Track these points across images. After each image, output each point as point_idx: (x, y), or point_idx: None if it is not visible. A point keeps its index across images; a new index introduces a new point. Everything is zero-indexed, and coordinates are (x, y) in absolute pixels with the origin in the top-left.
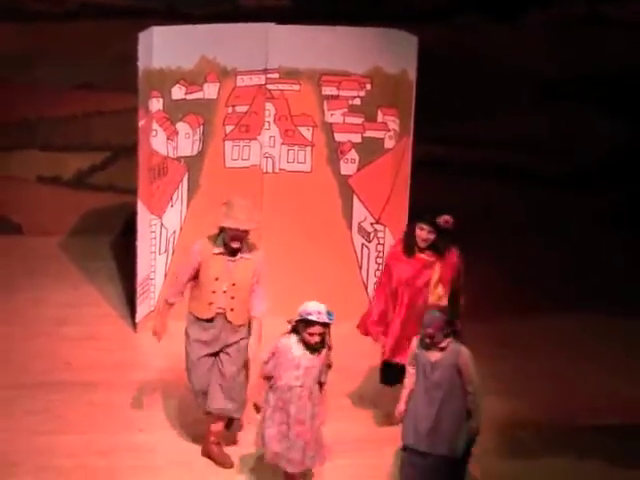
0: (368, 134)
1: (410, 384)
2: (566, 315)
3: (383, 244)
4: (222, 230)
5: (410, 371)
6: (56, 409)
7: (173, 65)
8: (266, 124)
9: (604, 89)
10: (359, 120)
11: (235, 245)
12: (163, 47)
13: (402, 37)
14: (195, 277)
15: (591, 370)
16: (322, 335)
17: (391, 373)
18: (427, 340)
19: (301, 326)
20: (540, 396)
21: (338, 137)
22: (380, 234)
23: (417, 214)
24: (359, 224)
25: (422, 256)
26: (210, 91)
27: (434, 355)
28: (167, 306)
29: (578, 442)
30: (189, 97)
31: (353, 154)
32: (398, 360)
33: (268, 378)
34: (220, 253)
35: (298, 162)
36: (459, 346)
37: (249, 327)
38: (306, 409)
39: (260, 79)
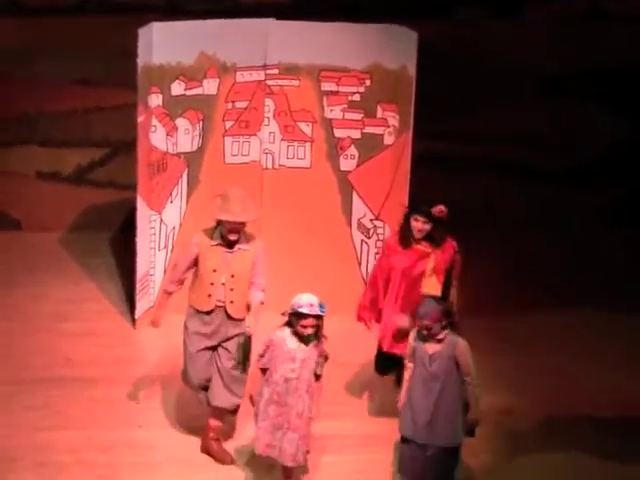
0: (368, 130)
1: (409, 377)
2: (567, 311)
3: (382, 240)
4: (219, 222)
5: (408, 365)
6: (56, 405)
7: (173, 61)
8: (266, 120)
9: (605, 84)
10: (359, 116)
11: (232, 237)
12: (163, 43)
13: (402, 33)
14: (194, 268)
15: (592, 366)
16: (315, 327)
17: (385, 363)
18: (424, 332)
19: (294, 319)
20: (541, 392)
21: (338, 133)
22: (379, 230)
23: (412, 205)
24: (359, 220)
25: (418, 247)
26: (210, 87)
27: (432, 347)
28: (165, 295)
29: (578, 438)
30: (189, 93)
31: (353, 150)
32: (397, 351)
33: (263, 371)
34: (218, 245)
35: (298, 158)
36: (456, 337)
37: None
38: (305, 402)
39: (260, 75)
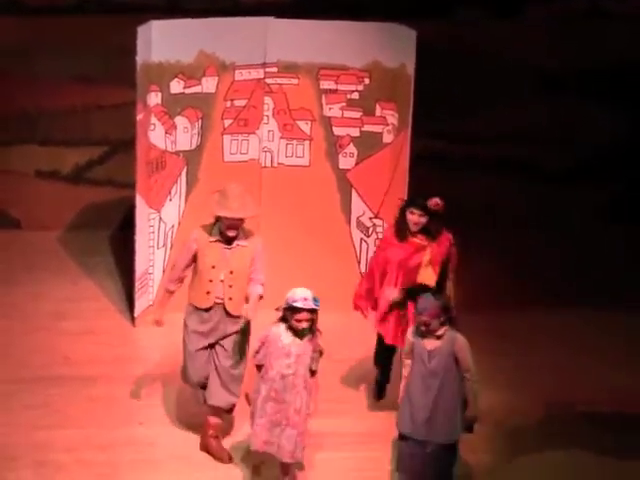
0: (366, 128)
1: (407, 373)
2: (567, 309)
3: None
4: (218, 219)
5: (406, 362)
6: (55, 403)
7: (172, 59)
8: (265, 118)
9: (605, 83)
10: (357, 114)
11: (231, 234)
12: (162, 41)
13: (401, 31)
14: (193, 265)
15: (592, 364)
16: (310, 321)
17: (385, 355)
18: (422, 328)
19: (288, 313)
20: (540, 390)
21: (336, 131)
22: (379, 229)
23: (408, 199)
24: (358, 218)
25: (414, 240)
26: (209, 85)
27: (431, 343)
28: (167, 294)
29: (577, 435)
30: (188, 91)
31: (351, 148)
32: (400, 344)
33: (259, 368)
34: (216, 241)
35: (296, 156)
36: (455, 333)
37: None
38: (302, 398)
39: (259, 73)
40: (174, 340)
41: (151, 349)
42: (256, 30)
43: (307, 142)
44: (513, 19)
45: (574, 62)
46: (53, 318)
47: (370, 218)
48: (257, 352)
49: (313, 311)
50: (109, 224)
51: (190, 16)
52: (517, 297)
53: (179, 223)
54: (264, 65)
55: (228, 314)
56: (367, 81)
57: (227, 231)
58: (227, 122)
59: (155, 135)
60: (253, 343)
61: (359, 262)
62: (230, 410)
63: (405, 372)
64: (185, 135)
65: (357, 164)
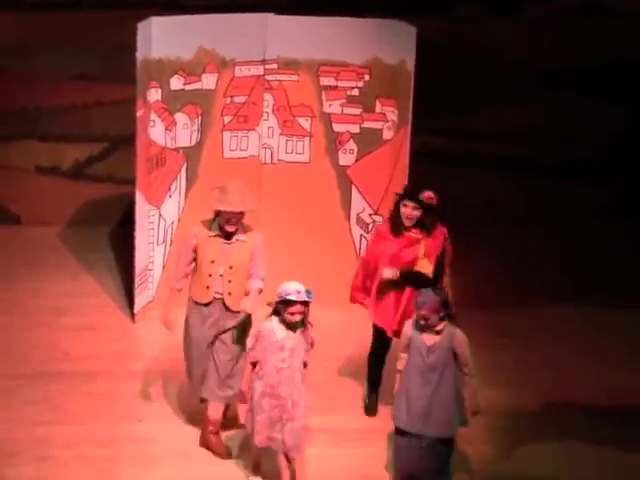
0: (366, 125)
1: (402, 366)
2: (567, 306)
3: None
4: (217, 214)
5: (402, 355)
6: (55, 399)
7: (172, 55)
8: (264, 115)
9: (605, 80)
10: (357, 111)
11: (230, 229)
12: (162, 37)
13: (401, 28)
14: (195, 260)
15: (591, 361)
16: (302, 314)
17: (381, 349)
18: (421, 322)
19: (281, 307)
20: (539, 386)
21: (336, 128)
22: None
23: (401, 192)
24: (357, 215)
25: (409, 234)
26: (208, 82)
27: (430, 338)
28: (174, 293)
29: (575, 428)
30: (187, 87)
31: (351, 145)
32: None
33: (254, 365)
34: (216, 236)
35: (296, 153)
36: (454, 329)
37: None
38: (300, 391)
39: (258, 70)
40: (174, 336)
41: (151, 345)
42: (256, 26)
43: (307, 139)
44: (513, 16)
45: (574, 59)
46: (53, 314)
47: (370, 214)
48: (252, 349)
49: (306, 304)
50: (109, 220)
51: (190, 12)
52: (517, 294)
53: (179, 219)
54: (264, 62)
55: (227, 309)
56: (367, 77)
57: (226, 226)
58: (227, 119)
59: (155, 131)
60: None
61: (358, 258)
62: (229, 406)
63: (400, 366)
64: (185, 131)
65: (357, 160)
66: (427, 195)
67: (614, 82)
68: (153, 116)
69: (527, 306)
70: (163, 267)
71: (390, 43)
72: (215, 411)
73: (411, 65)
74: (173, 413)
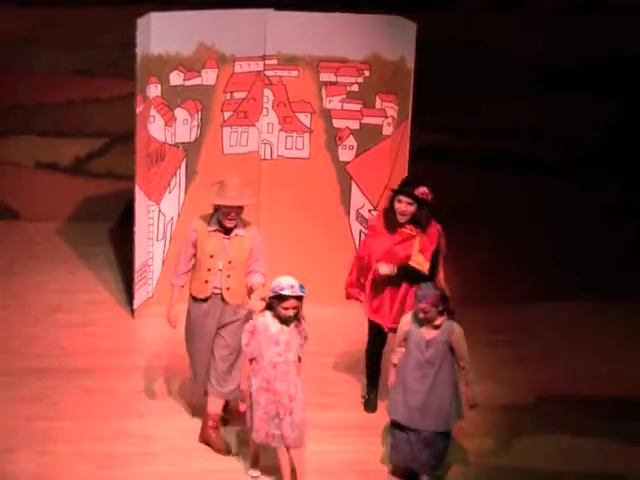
0: (366, 120)
1: (398, 360)
2: (566, 303)
3: None
4: (217, 209)
5: (398, 349)
6: (53, 395)
7: (171, 51)
8: (264, 110)
9: (606, 76)
10: (357, 107)
11: (229, 224)
12: (161, 33)
13: (401, 23)
14: (194, 255)
15: (589, 357)
16: (296, 308)
17: (378, 345)
18: (420, 315)
19: (275, 302)
20: (539, 382)
21: (336, 123)
22: None
23: (396, 187)
24: (357, 211)
25: (403, 230)
26: (208, 77)
27: (428, 333)
28: (176, 289)
29: (573, 421)
30: (187, 83)
31: (351, 140)
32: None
33: (251, 361)
34: (215, 230)
35: (296, 149)
36: (452, 323)
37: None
38: (296, 385)
39: (258, 65)
40: (173, 332)
41: (150, 341)
42: (256, 22)
43: (307, 134)
44: (514, 11)
45: (575, 55)
46: (51, 310)
47: (369, 210)
48: (247, 345)
49: (299, 298)
50: (108, 216)
51: (190, 8)
52: (516, 290)
53: (179, 215)
54: (264, 57)
55: (227, 304)
56: (367, 73)
57: (225, 221)
58: (227, 114)
59: (155, 127)
60: None
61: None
62: (229, 401)
63: (395, 359)
64: (185, 127)
65: (357, 156)
66: (422, 191)
67: (615, 78)
68: (153, 112)
69: (526, 303)
70: (163, 263)
71: (390, 39)
72: (214, 406)
73: (411, 61)
74: (172, 409)
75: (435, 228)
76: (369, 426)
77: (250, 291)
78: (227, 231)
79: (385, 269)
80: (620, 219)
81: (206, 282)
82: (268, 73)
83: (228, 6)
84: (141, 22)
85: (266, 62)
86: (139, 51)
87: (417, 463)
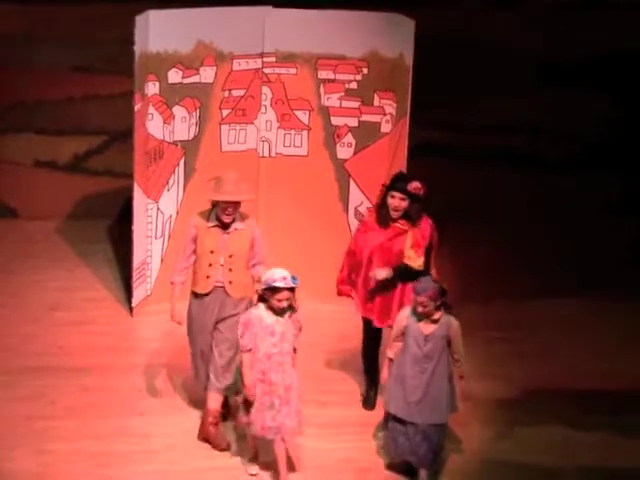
0: (364, 118)
1: (394, 355)
2: (566, 299)
3: None
4: (214, 205)
5: (394, 344)
6: (52, 394)
7: (170, 49)
8: (262, 108)
9: (606, 73)
10: (355, 104)
11: (227, 219)
12: (160, 31)
13: (399, 21)
14: (195, 251)
15: (590, 355)
16: (289, 300)
17: (372, 342)
18: (419, 309)
19: (269, 294)
20: (538, 379)
21: (335, 121)
22: None
23: (388, 183)
24: (355, 208)
25: (396, 225)
26: (207, 75)
27: (427, 328)
28: (178, 287)
29: (569, 413)
30: (186, 81)
31: (350, 138)
32: (387, 325)
33: (247, 352)
34: (214, 226)
35: (295, 146)
36: (449, 317)
37: (250, 302)
38: (292, 375)
39: (257, 63)
40: (171, 330)
41: (148, 339)
42: (254, 20)
43: (305, 132)
44: (514, 8)
45: (575, 51)
46: (50, 308)
47: (368, 208)
48: (242, 337)
49: (292, 289)
50: (107, 214)
51: (188, 5)
52: (515, 287)
53: (177, 213)
54: (262, 55)
55: (228, 297)
56: (365, 71)
57: (223, 216)
58: (225, 112)
59: (153, 125)
60: None
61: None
62: (227, 397)
63: (391, 354)
64: (183, 125)
65: (355, 154)
66: (414, 185)
67: (615, 75)
68: (151, 109)
69: (526, 299)
70: (161, 261)
71: (388, 36)
72: (214, 402)
73: (409, 58)
74: (171, 407)
75: (427, 223)
76: (368, 423)
77: (257, 282)
78: (226, 226)
79: (382, 273)
80: (620, 215)
81: (208, 277)
82: (266, 71)
83: (226, 3)
84: (139, 20)
85: (264, 60)
86: (137, 49)
87: (416, 457)
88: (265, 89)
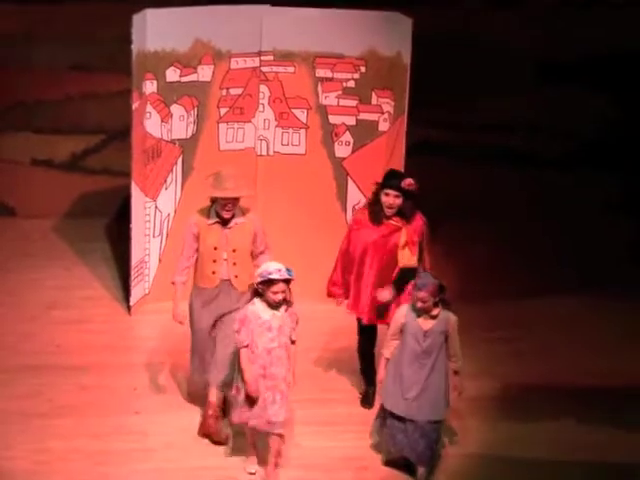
0: (362, 116)
1: (390, 354)
2: (565, 298)
3: None
4: (213, 201)
5: (392, 342)
6: (49, 392)
7: (167, 47)
8: (260, 106)
9: (605, 72)
10: (353, 102)
11: (227, 215)
12: (157, 29)
13: (397, 19)
14: (197, 249)
15: (589, 353)
16: (284, 292)
17: (366, 340)
18: (419, 304)
19: (264, 287)
20: (537, 378)
21: (332, 119)
22: None
23: (382, 180)
24: (354, 207)
25: (389, 222)
26: (204, 73)
27: (426, 324)
28: (180, 286)
29: (566, 408)
30: (183, 79)
31: (347, 136)
32: (380, 322)
33: (244, 348)
34: (215, 223)
35: (292, 145)
36: (448, 313)
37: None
38: (289, 369)
39: (254, 61)
40: (169, 329)
41: (146, 338)
42: (252, 18)
43: (303, 130)
44: (513, 7)
45: (574, 50)
46: (47, 306)
47: (359, 206)
48: (238, 333)
49: (287, 282)
50: (105, 213)
51: (186, 4)
52: (515, 285)
53: (175, 212)
54: (260, 53)
55: (233, 290)
56: (363, 69)
57: (223, 212)
58: (223, 110)
59: (151, 123)
60: None
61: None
62: (226, 393)
63: (387, 353)
64: (181, 123)
65: (353, 152)
66: (408, 182)
67: (614, 73)
68: (149, 108)
69: (525, 298)
70: (159, 259)
71: (386, 34)
72: (215, 395)
73: (407, 57)
74: (169, 406)
75: (420, 218)
76: (367, 422)
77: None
78: (226, 222)
79: (386, 295)
80: (619, 213)
81: (213, 273)
82: (264, 69)
83: (224, 2)
84: (137, 18)
85: (262, 58)
86: (135, 47)
87: (414, 454)
88: (263, 87)
